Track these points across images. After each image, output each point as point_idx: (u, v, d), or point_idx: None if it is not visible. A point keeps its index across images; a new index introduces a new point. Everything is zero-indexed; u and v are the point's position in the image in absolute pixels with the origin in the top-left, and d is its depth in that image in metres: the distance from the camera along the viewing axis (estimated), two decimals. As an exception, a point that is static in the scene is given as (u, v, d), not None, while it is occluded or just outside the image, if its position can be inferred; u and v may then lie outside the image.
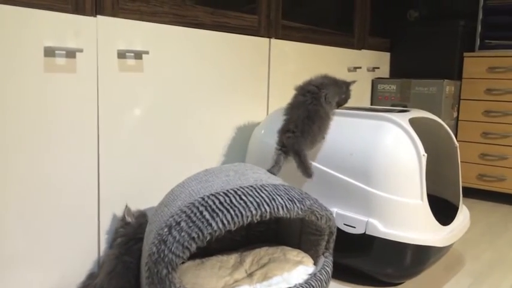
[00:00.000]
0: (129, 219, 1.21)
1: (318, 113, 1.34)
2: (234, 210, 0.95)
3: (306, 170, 1.29)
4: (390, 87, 2.32)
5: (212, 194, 1.01)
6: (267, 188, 1.03)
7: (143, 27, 1.27)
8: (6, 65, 1.01)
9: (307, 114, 1.32)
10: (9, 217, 1.05)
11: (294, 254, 1.19)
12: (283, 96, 1.81)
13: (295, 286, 1.02)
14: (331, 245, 1.18)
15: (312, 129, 1.31)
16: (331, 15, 2.30)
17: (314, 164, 1.38)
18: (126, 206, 1.25)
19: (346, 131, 1.37)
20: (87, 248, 1.21)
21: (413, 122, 1.36)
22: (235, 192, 1.00)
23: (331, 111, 1.40)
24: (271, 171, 1.27)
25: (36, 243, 1.10)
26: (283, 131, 1.34)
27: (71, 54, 1.11)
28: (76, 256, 1.19)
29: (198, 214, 0.96)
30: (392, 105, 2.29)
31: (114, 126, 1.23)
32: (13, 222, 1.06)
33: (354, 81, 1.52)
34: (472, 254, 1.61)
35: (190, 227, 0.94)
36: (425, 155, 1.29)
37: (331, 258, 1.17)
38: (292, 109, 1.37)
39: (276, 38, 1.75)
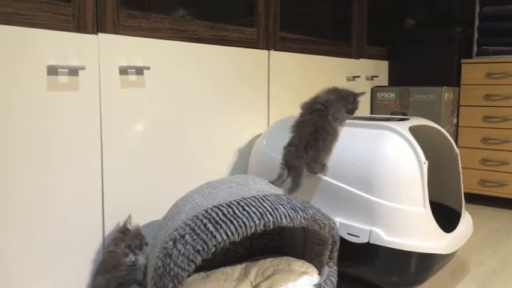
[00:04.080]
0: (129, 227, 1.22)
1: (325, 129, 1.34)
2: (238, 221, 0.96)
3: (293, 186, 1.30)
4: (389, 95, 2.34)
5: (215, 206, 1.01)
6: (269, 198, 1.04)
7: (144, 43, 1.29)
8: (10, 84, 1.02)
9: (314, 130, 1.33)
10: (12, 236, 1.06)
11: (298, 264, 1.20)
12: (284, 107, 1.82)
13: (300, 296, 1.02)
14: (335, 254, 1.18)
15: (317, 144, 1.32)
16: (329, 25, 2.33)
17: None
18: (130, 215, 1.26)
19: (347, 141, 1.38)
20: (91, 267, 1.21)
21: (413, 130, 1.37)
22: (238, 203, 1.01)
23: (339, 126, 1.40)
24: (274, 184, 1.27)
25: (40, 263, 1.11)
26: (287, 146, 1.35)
27: (73, 72, 1.13)
28: (80, 276, 1.19)
29: (202, 226, 0.96)
30: (392, 113, 2.30)
31: (117, 141, 1.24)
32: (17, 241, 1.06)
33: (362, 93, 1.51)
34: (476, 261, 1.61)
35: (195, 239, 0.94)
36: (427, 162, 1.29)
37: (335, 268, 1.17)
38: (299, 126, 1.37)
39: (275, 49, 1.77)
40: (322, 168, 1.36)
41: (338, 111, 1.40)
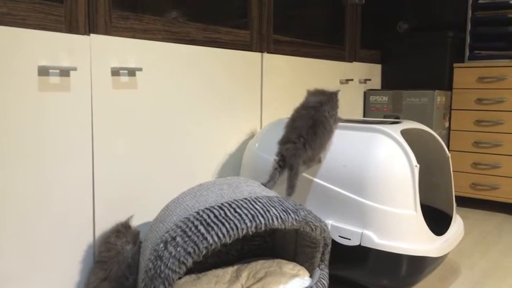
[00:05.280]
0: (131, 225, 1.22)
1: (323, 124, 1.32)
2: (229, 223, 0.96)
3: (290, 188, 1.27)
4: (382, 98, 2.35)
5: (207, 208, 1.01)
6: (261, 200, 1.04)
7: (136, 44, 1.28)
8: (0, 84, 1.01)
9: (312, 124, 1.30)
10: (5, 236, 1.05)
11: (290, 267, 1.20)
12: (277, 110, 1.82)
13: (291, 299, 1.02)
14: (327, 257, 1.18)
15: (315, 140, 1.29)
16: (322, 28, 2.33)
17: (308, 176, 1.39)
18: (132, 216, 1.28)
19: (339, 143, 1.39)
20: (83, 265, 1.21)
21: (405, 133, 1.38)
22: (230, 205, 1.01)
23: (334, 125, 1.40)
24: (266, 186, 1.27)
25: (32, 262, 1.10)
26: (284, 142, 1.30)
27: (64, 72, 1.12)
28: (73, 275, 1.19)
29: (193, 228, 0.96)
30: (384, 117, 2.31)
31: (108, 143, 1.24)
32: (9, 240, 1.06)
33: (338, 91, 1.51)
34: (467, 263, 1.62)
35: (186, 241, 0.94)
36: (418, 165, 1.30)
37: (326, 270, 1.17)
38: (295, 120, 1.33)
39: (268, 52, 1.77)
40: (319, 161, 1.36)
41: (332, 109, 1.40)
